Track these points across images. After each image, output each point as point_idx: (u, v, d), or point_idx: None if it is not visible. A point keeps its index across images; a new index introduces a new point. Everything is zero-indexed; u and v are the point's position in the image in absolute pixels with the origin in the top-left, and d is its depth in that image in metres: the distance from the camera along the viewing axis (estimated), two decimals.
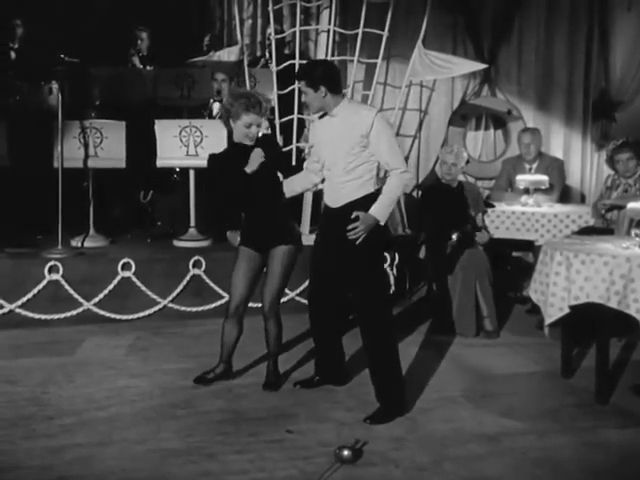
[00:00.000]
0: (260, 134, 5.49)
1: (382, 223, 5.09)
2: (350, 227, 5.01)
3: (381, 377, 5.09)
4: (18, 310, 7.03)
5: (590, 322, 5.56)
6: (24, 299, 7.03)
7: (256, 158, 5.28)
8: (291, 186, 5.51)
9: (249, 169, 5.28)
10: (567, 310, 5.39)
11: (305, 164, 5.64)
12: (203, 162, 7.58)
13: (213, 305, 7.38)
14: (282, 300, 7.43)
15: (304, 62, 7.96)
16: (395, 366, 5.10)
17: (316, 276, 5.43)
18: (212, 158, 5.54)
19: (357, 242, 5.02)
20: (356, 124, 5.05)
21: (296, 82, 5.24)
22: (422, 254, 7.35)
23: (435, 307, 7.11)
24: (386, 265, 7.66)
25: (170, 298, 7.32)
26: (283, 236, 5.43)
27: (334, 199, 5.21)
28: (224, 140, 7.55)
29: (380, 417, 4.96)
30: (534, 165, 8.23)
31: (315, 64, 5.55)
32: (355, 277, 5.15)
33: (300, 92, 5.23)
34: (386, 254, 7.67)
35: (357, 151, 5.06)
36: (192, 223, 7.98)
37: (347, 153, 5.07)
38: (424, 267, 7.40)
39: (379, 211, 5.06)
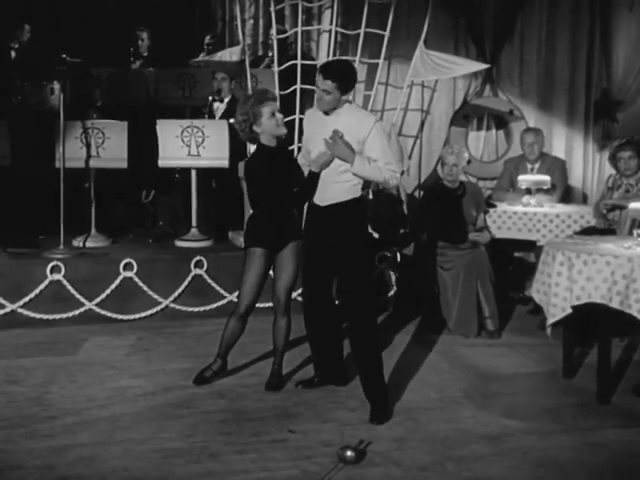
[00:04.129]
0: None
1: (352, 168, 5.03)
2: (336, 132, 5.01)
3: (370, 376, 5.13)
4: (20, 310, 7.03)
5: (592, 322, 5.56)
6: (26, 299, 7.03)
7: (323, 157, 5.19)
8: None
9: (317, 168, 5.20)
10: (569, 310, 5.39)
11: (299, 157, 5.62)
12: (205, 162, 7.68)
13: (215, 305, 7.38)
14: None
15: (307, 62, 8.03)
16: (381, 365, 5.16)
17: (308, 277, 5.42)
18: (249, 167, 5.50)
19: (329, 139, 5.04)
20: (355, 129, 5.05)
21: (322, 79, 5.00)
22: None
23: (428, 304, 7.14)
24: (388, 265, 7.69)
25: (172, 298, 7.31)
26: (293, 232, 5.50)
27: (322, 197, 5.20)
28: (226, 140, 7.58)
29: (379, 414, 4.97)
30: (536, 165, 8.22)
31: (349, 67, 5.30)
32: (344, 274, 5.23)
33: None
34: (388, 254, 7.69)
35: None
36: (194, 223, 7.98)
37: None
38: (424, 267, 7.40)
39: (360, 161, 5.02)
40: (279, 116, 5.35)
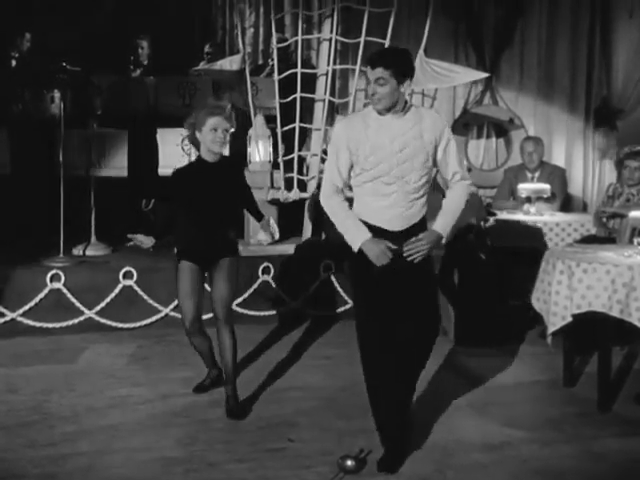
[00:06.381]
0: (226, 152, 5.46)
1: (444, 241, 4.47)
2: (411, 242, 4.32)
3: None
4: (20, 318, 7.02)
5: (592, 331, 5.55)
6: (26, 307, 7.02)
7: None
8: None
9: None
10: (570, 319, 5.39)
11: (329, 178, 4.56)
12: None
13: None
14: (275, 311, 7.48)
15: (307, 70, 8.04)
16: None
17: (383, 316, 4.40)
18: (175, 172, 5.41)
19: (415, 260, 4.32)
20: (428, 130, 4.36)
21: (371, 70, 4.23)
22: None
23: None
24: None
25: (172, 306, 7.30)
26: (226, 249, 5.35)
27: (397, 220, 4.40)
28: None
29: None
30: (536, 174, 8.23)
31: (403, 52, 4.43)
32: (426, 304, 4.48)
33: (368, 81, 4.31)
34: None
35: (430, 163, 4.43)
36: None
37: (422, 165, 4.38)
38: None
39: (445, 227, 4.42)
40: (221, 134, 5.18)
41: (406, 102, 4.36)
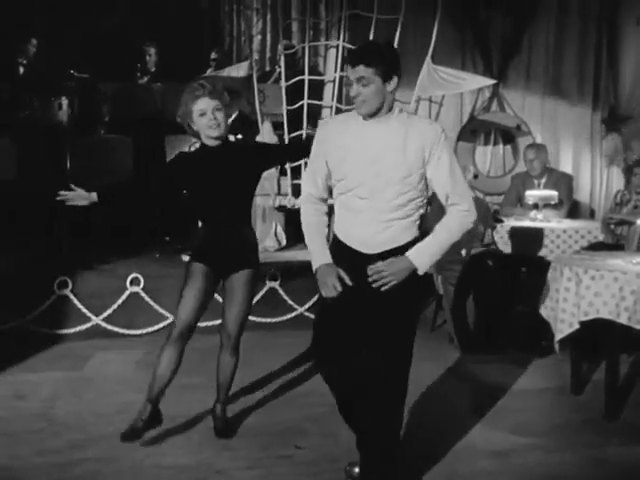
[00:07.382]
0: (239, 136, 5.23)
1: (421, 272, 3.78)
2: (374, 267, 3.75)
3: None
4: (27, 325, 7.02)
5: (599, 338, 5.54)
6: (34, 314, 7.02)
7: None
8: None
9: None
10: (577, 326, 5.38)
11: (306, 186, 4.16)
12: None
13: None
14: (289, 316, 7.46)
15: (314, 77, 8.05)
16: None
17: (341, 352, 4.01)
18: (179, 154, 5.01)
19: (382, 288, 3.74)
20: (414, 141, 3.77)
21: (352, 69, 3.74)
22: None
23: (454, 324, 7.08)
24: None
25: None
26: (247, 259, 4.82)
27: (371, 242, 3.81)
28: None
29: None
30: (542, 180, 8.22)
31: (386, 46, 3.94)
32: (387, 343, 3.83)
33: (351, 81, 3.83)
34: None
35: (415, 180, 3.76)
36: None
37: (401, 180, 3.74)
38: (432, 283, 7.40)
39: (420, 256, 3.76)
40: (212, 115, 4.65)
41: (392, 105, 3.90)
